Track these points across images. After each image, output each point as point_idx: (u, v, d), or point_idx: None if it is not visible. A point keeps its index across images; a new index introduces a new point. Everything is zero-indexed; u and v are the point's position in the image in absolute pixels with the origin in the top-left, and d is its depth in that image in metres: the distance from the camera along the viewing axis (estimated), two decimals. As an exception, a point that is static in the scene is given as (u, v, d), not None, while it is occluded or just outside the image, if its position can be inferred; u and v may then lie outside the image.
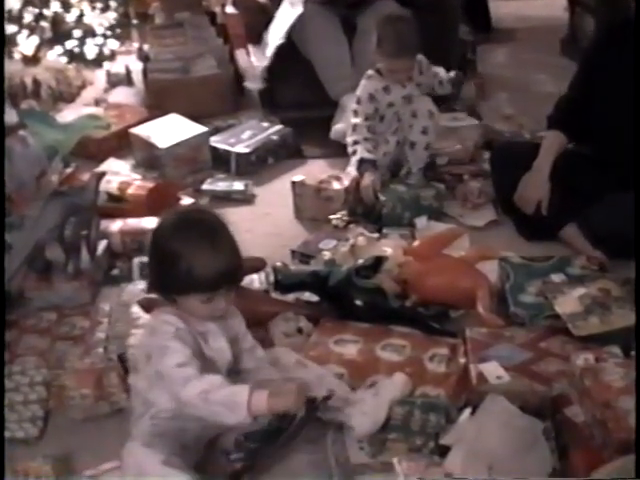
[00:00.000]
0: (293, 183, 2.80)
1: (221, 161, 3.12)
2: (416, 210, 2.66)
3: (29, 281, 2.29)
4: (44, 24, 3.60)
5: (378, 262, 2.19)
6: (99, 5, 3.83)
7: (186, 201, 2.71)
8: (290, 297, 2.24)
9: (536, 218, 2.52)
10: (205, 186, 2.96)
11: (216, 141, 3.19)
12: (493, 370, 1.83)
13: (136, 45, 4.08)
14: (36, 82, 3.52)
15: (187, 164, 3.05)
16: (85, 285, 2.31)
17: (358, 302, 2.12)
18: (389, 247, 2.32)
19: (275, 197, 2.93)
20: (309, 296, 2.22)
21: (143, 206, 2.65)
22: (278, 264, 2.25)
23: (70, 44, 3.71)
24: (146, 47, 3.86)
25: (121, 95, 3.77)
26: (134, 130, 3.18)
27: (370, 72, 2.83)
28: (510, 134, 3.21)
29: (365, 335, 2.03)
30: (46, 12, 3.61)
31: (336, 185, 2.75)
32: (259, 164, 3.14)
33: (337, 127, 3.11)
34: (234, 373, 1.76)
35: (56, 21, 3.65)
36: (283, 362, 1.84)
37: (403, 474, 1.58)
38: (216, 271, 1.61)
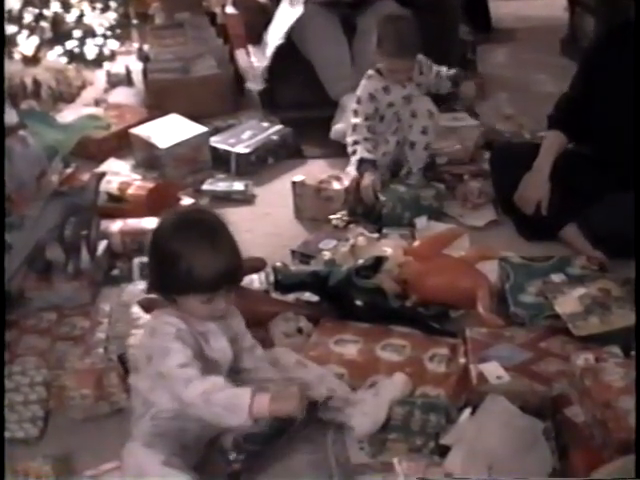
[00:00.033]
0: (293, 183, 2.80)
1: (221, 161, 3.12)
2: (416, 210, 2.66)
3: (29, 281, 2.29)
4: (44, 24, 3.60)
5: (378, 262, 2.19)
6: (99, 5, 3.83)
7: (186, 201, 2.71)
8: (290, 297, 2.24)
9: (536, 218, 2.52)
10: (205, 186, 2.96)
11: (216, 141, 3.19)
12: (493, 370, 1.83)
13: (136, 45, 4.08)
14: (36, 82, 3.52)
15: (187, 164, 3.05)
16: (85, 285, 2.31)
17: (358, 302, 2.12)
18: (389, 247, 2.32)
19: (275, 197, 2.93)
20: (309, 296, 2.22)
21: (143, 206, 2.65)
22: (278, 264, 2.25)
23: (70, 44, 3.71)
24: (146, 47, 3.86)
25: (121, 95, 3.77)
26: (134, 130, 3.18)
27: (370, 72, 2.83)
28: (510, 134, 3.21)
29: (365, 335, 2.03)
30: (46, 12, 3.61)
31: (336, 185, 2.75)
32: (259, 164, 3.14)
33: (337, 127, 3.11)
34: (234, 372, 1.76)
35: (56, 21, 3.65)
36: (283, 362, 1.84)
37: (403, 474, 1.58)
38: (216, 271, 1.61)
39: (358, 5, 3.36)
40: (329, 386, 1.79)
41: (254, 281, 2.28)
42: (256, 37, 3.63)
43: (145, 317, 2.03)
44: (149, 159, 3.08)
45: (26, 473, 1.68)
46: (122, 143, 3.23)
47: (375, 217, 2.64)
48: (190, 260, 1.59)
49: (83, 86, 3.80)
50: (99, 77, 3.93)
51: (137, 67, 3.91)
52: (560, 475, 1.59)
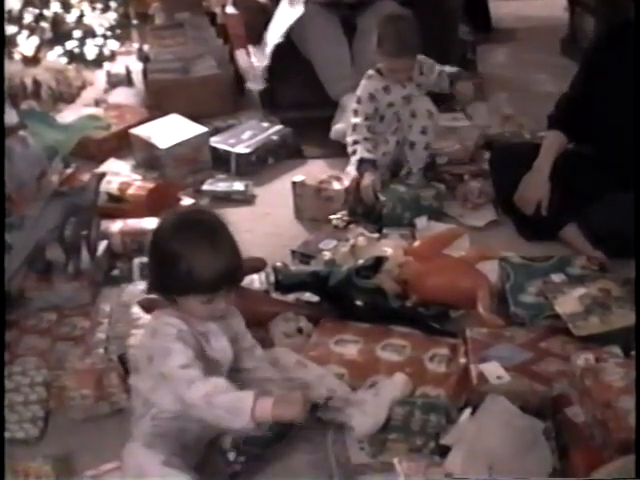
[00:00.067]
0: (293, 183, 2.80)
1: (221, 161, 3.12)
2: (416, 210, 2.66)
3: (29, 281, 2.29)
4: (44, 25, 3.60)
5: (378, 262, 2.19)
6: (99, 6, 3.83)
7: (186, 201, 2.71)
8: (290, 297, 2.24)
9: (536, 218, 2.52)
10: (205, 186, 2.96)
11: (216, 141, 3.19)
12: (493, 370, 1.83)
13: (136, 45, 4.08)
14: (36, 82, 3.52)
15: (187, 164, 3.05)
16: (85, 285, 2.31)
17: (358, 302, 2.12)
18: (389, 247, 2.32)
19: (275, 197, 2.93)
20: (309, 296, 2.22)
21: (143, 206, 2.65)
22: (278, 264, 2.25)
23: (70, 45, 3.71)
24: (146, 47, 3.86)
25: (121, 95, 3.77)
26: (134, 130, 3.18)
27: (371, 72, 2.83)
28: (510, 134, 3.21)
29: (365, 335, 2.03)
30: (46, 13, 3.61)
31: (336, 185, 2.75)
32: (259, 164, 3.14)
33: (337, 127, 3.11)
34: (234, 372, 1.76)
35: (56, 22, 3.65)
36: (283, 362, 1.84)
37: (403, 474, 1.58)
38: (216, 272, 1.60)
39: (358, 5, 3.36)
40: (329, 386, 1.79)
41: (254, 281, 2.28)
42: (256, 37, 3.64)
43: (145, 317, 2.03)
44: (149, 159, 3.08)
45: (26, 473, 1.68)
46: (122, 143, 3.23)
47: (375, 217, 2.64)
48: (190, 260, 1.59)
49: (83, 86, 3.80)
50: (99, 77, 3.93)
51: (137, 67, 3.91)
52: (560, 475, 1.59)
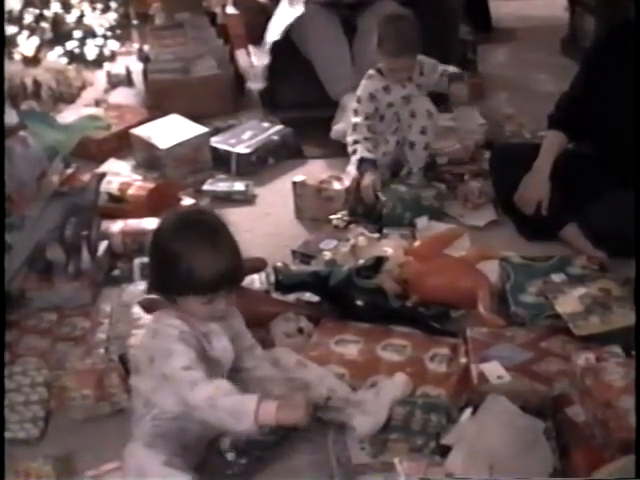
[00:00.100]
0: (294, 183, 2.80)
1: (222, 161, 3.12)
2: (417, 210, 2.66)
3: (30, 281, 2.29)
4: (44, 25, 3.60)
5: (379, 262, 2.19)
6: (99, 6, 3.83)
7: (187, 202, 2.71)
8: (291, 297, 2.24)
9: (536, 218, 2.52)
10: (206, 186, 2.96)
11: (217, 141, 3.19)
12: (494, 370, 1.83)
13: (136, 46, 4.09)
14: (36, 83, 3.52)
15: (188, 164, 3.05)
16: (86, 286, 2.31)
17: (359, 302, 2.12)
18: (390, 247, 2.32)
19: (276, 197, 2.93)
20: (310, 296, 2.22)
21: (144, 207, 2.65)
22: (279, 264, 2.25)
23: (70, 45, 3.71)
24: (146, 48, 3.86)
25: (121, 96, 3.78)
26: (134, 131, 3.18)
27: (371, 71, 2.83)
28: (510, 134, 3.21)
29: (366, 335, 2.03)
30: (46, 13, 3.61)
31: (337, 185, 2.75)
32: (260, 164, 3.14)
33: (337, 127, 3.11)
34: (234, 371, 1.76)
35: (56, 22, 3.65)
36: (284, 362, 1.84)
37: (404, 474, 1.58)
38: (217, 272, 1.60)
39: (358, 5, 3.37)
40: (330, 386, 1.79)
41: (255, 281, 2.28)
42: (256, 37, 3.64)
43: (146, 317, 2.03)
44: (149, 159, 3.08)
45: (27, 473, 1.68)
46: (122, 143, 3.23)
47: (376, 217, 2.64)
48: (191, 261, 1.59)
49: (83, 86, 3.80)
50: (99, 78, 3.94)
51: (137, 67, 3.91)
52: (561, 475, 1.59)
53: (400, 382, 1.81)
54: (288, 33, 3.32)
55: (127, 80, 3.92)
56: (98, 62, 3.84)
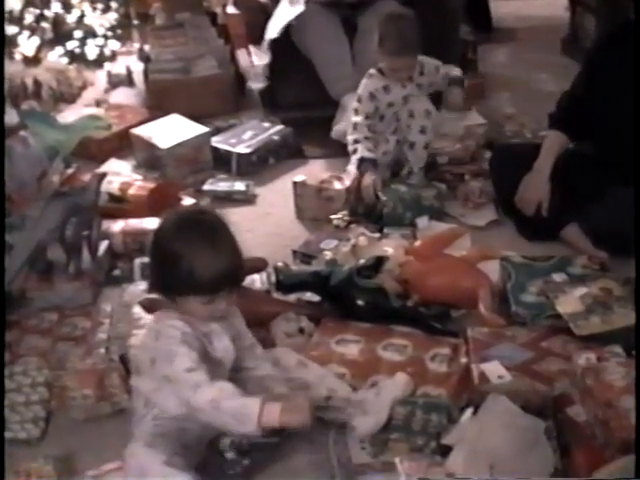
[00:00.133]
0: (294, 183, 2.80)
1: (222, 161, 3.12)
2: (417, 210, 2.65)
3: (30, 281, 2.29)
4: (45, 25, 3.60)
5: (379, 262, 2.19)
6: (100, 6, 3.83)
7: (187, 201, 2.71)
8: (291, 297, 2.24)
9: (537, 219, 2.52)
10: (206, 186, 2.96)
11: (217, 141, 3.19)
12: (495, 370, 1.83)
13: (137, 46, 4.09)
14: (37, 83, 3.52)
15: (188, 164, 3.05)
16: (86, 285, 2.31)
17: (359, 302, 2.12)
18: (390, 247, 2.32)
19: (276, 197, 2.93)
20: (310, 296, 2.22)
21: (144, 206, 2.65)
22: (279, 264, 2.25)
23: (71, 45, 3.72)
24: (147, 48, 3.86)
25: (122, 96, 3.77)
26: (135, 130, 3.18)
27: (372, 71, 2.83)
28: (511, 133, 3.21)
29: (366, 335, 2.03)
30: (47, 13, 3.62)
31: (337, 185, 2.75)
32: (260, 164, 3.14)
33: (338, 127, 3.11)
34: (234, 371, 1.76)
35: (57, 22, 3.65)
36: (284, 362, 1.84)
37: (405, 474, 1.58)
38: (217, 272, 1.60)
39: (359, 5, 3.36)
40: (330, 386, 1.79)
41: (255, 281, 2.28)
42: (257, 37, 3.64)
43: (147, 317, 2.03)
44: (150, 159, 3.08)
45: (28, 473, 1.68)
46: (123, 143, 3.23)
47: (376, 217, 2.64)
48: (191, 260, 1.59)
49: (84, 86, 3.80)
50: (100, 77, 3.94)
51: (138, 67, 3.91)
52: (562, 475, 1.59)
53: (401, 382, 1.81)
54: (288, 33, 3.32)
55: (128, 80, 3.92)
56: (99, 62, 3.84)
